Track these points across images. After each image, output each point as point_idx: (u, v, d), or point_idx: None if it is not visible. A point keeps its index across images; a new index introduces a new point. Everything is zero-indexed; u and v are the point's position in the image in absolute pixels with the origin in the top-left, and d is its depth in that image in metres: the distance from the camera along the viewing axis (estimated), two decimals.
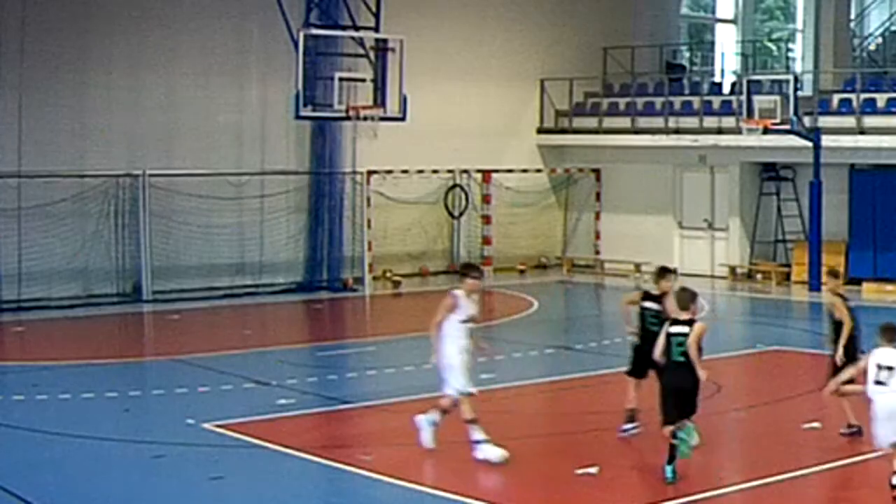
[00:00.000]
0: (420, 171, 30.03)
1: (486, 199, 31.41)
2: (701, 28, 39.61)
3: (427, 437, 13.28)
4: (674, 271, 13.72)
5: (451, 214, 30.97)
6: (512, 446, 13.94)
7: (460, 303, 12.96)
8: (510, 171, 31.84)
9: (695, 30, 39.47)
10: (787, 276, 29.28)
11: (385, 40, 23.50)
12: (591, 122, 32.29)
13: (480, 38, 31.53)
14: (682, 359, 12.07)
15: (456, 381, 12.99)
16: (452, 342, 13.00)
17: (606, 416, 15.16)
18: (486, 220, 31.42)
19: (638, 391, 13.90)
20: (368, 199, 29.06)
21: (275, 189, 28.08)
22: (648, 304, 13.55)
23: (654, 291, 13.57)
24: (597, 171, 32.73)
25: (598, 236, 32.64)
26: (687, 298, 12.39)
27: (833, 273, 14.48)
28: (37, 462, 13.10)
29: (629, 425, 13.92)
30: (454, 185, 30.90)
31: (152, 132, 26.56)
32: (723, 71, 36.68)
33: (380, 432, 14.73)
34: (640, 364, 13.64)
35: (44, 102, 25.02)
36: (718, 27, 38.90)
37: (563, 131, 32.85)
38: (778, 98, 26.67)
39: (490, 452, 12.86)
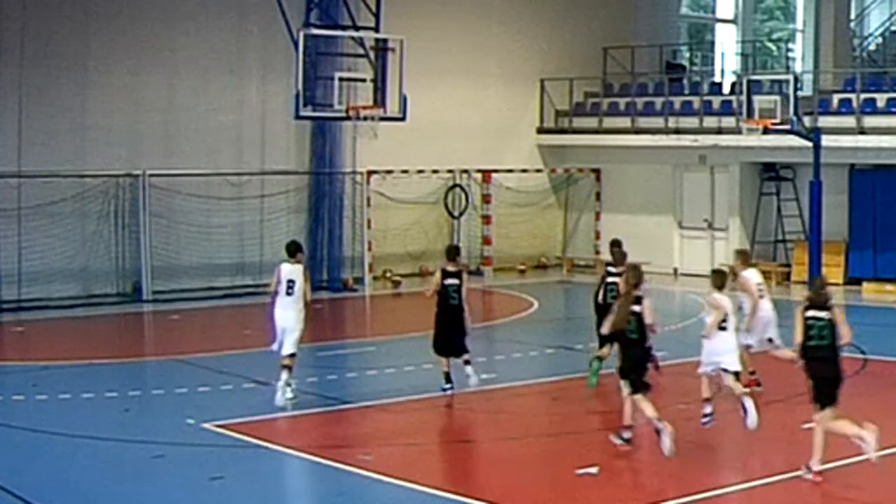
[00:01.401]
0: (420, 171, 30.03)
1: (486, 199, 31.41)
2: (701, 28, 39.60)
3: (281, 398, 15.43)
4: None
5: (451, 214, 30.97)
6: (512, 446, 13.95)
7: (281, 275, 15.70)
8: (510, 171, 31.83)
9: (695, 30, 39.46)
10: (787, 276, 29.27)
11: (385, 40, 23.47)
12: (591, 122, 32.29)
13: (480, 38, 31.54)
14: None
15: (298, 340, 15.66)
16: (298, 306, 15.61)
17: (606, 416, 15.18)
18: (486, 220, 31.41)
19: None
20: (368, 199, 29.07)
21: (275, 189, 28.09)
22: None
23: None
24: (597, 171, 32.73)
25: (598, 236, 32.63)
26: (619, 256, 16.68)
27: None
28: (37, 462, 13.10)
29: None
30: (454, 185, 30.89)
31: (152, 132, 26.57)
32: (723, 71, 36.69)
33: (380, 432, 14.73)
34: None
35: (44, 102, 25.02)
36: (718, 27, 38.89)
37: (563, 131, 32.85)
38: (778, 98, 26.63)
39: (280, 397, 15.40)
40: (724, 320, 14.40)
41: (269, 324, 16.11)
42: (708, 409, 14.22)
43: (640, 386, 13.33)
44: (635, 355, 13.39)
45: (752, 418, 13.81)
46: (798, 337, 12.21)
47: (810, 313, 12.23)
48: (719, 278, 14.71)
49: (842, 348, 12.28)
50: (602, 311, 16.11)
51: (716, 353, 14.35)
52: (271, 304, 15.99)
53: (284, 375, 15.55)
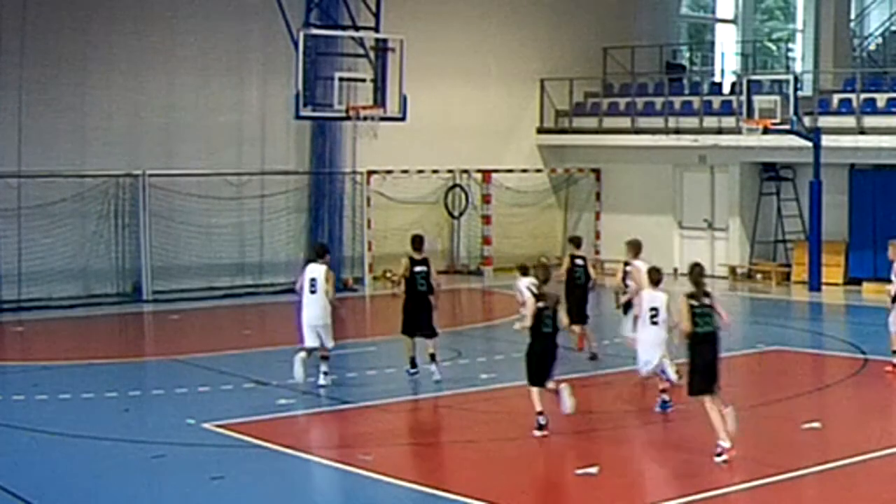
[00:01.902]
0: (420, 171, 30.02)
1: (486, 199, 31.40)
2: (701, 28, 39.60)
3: (300, 372, 16.58)
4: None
5: (451, 214, 30.96)
6: (512, 446, 13.95)
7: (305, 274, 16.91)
8: (510, 171, 31.83)
9: (695, 30, 39.46)
10: (787, 276, 29.27)
11: (385, 40, 23.48)
12: (591, 122, 32.29)
13: (480, 38, 31.53)
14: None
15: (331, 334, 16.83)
16: (321, 303, 16.73)
17: (607, 416, 15.19)
18: (486, 220, 31.41)
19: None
20: (368, 199, 29.06)
21: (275, 189, 28.08)
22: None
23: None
24: (597, 171, 32.73)
25: (598, 236, 32.61)
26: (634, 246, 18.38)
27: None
28: (37, 462, 13.10)
29: None
30: (454, 185, 30.89)
31: (152, 132, 26.56)
32: (723, 71, 36.68)
33: (380, 432, 14.72)
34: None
35: (44, 102, 25.03)
36: (718, 27, 38.89)
37: (563, 131, 32.85)
38: (778, 98, 26.66)
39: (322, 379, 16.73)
40: (654, 315, 15.11)
41: (282, 324, 16.26)
42: (665, 398, 15.00)
43: (537, 378, 14.08)
44: (546, 347, 14.30)
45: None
46: (686, 325, 12.90)
47: (695, 302, 12.97)
48: (654, 274, 15.47)
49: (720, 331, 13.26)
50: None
51: (645, 352, 15.28)
52: (297, 302, 17.10)
53: (324, 367, 16.91)
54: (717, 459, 12.74)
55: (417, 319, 17.14)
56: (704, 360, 12.92)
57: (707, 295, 13.08)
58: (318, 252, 17.28)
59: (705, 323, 12.91)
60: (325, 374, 16.88)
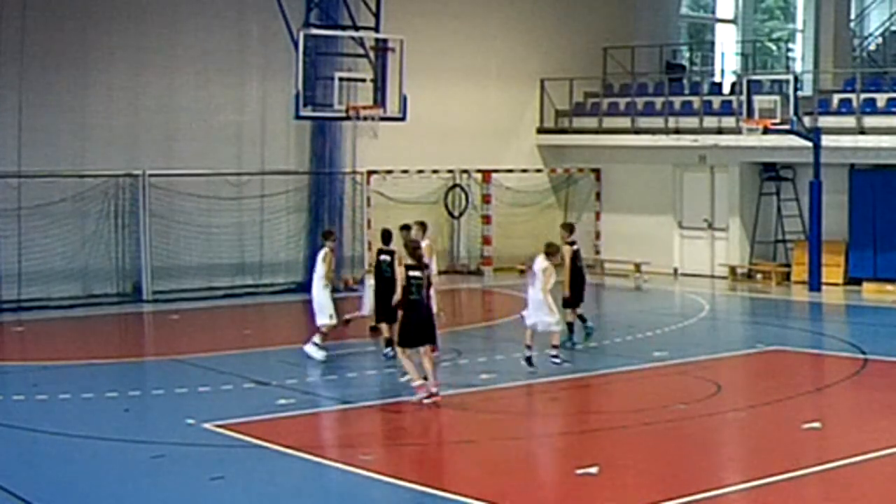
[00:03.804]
0: (420, 171, 30.02)
1: (486, 199, 31.41)
2: (701, 28, 39.62)
3: (320, 355, 18.51)
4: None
5: (451, 214, 30.97)
6: (512, 446, 13.95)
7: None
8: (510, 171, 31.83)
9: (695, 30, 39.47)
10: (787, 276, 29.27)
11: (385, 40, 23.48)
12: (591, 122, 32.29)
13: (480, 38, 31.53)
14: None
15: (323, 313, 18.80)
16: (318, 285, 18.93)
17: (606, 416, 15.20)
18: (486, 220, 31.41)
19: None
20: (368, 199, 29.05)
21: (275, 189, 28.08)
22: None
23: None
24: (597, 171, 32.73)
25: (598, 236, 32.64)
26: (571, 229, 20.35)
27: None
28: (37, 462, 13.10)
29: None
30: (454, 185, 30.89)
31: (152, 132, 26.55)
32: (723, 71, 36.69)
33: (380, 432, 14.72)
34: None
35: (44, 102, 25.01)
36: (718, 27, 38.91)
37: (563, 131, 32.85)
38: (778, 98, 26.66)
39: (315, 353, 18.57)
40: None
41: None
42: (527, 353, 17.58)
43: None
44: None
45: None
46: (399, 292, 15.37)
47: (412, 273, 15.39)
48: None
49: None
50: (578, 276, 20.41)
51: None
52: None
53: (315, 339, 18.73)
54: (421, 397, 15.33)
55: (383, 305, 18.29)
56: (415, 321, 15.30)
57: (421, 268, 15.50)
58: (322, 235, 19.27)
59: (416, 292, 15.32)
60: (315, 344, 18.59)
